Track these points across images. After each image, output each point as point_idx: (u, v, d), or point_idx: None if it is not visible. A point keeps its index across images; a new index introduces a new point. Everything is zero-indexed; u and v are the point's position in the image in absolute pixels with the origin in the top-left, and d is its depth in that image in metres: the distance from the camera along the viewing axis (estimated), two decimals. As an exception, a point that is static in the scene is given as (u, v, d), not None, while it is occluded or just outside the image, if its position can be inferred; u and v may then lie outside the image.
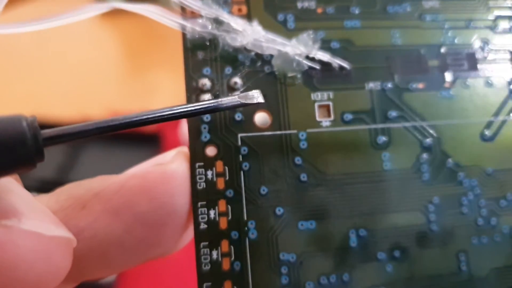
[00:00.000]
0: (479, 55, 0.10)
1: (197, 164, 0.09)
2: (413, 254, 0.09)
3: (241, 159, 0.09)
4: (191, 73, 0.09)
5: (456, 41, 0.10)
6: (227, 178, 0.09)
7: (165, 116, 0.08)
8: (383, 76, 0.10)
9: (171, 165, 0.09)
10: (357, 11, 0.10)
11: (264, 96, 0.09)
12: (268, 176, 0.09)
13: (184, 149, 0.09)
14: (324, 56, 0.10)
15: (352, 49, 0.10)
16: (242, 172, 0.09)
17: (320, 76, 0.10)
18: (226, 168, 0.09)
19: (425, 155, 0.10)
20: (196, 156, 0.09)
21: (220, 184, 0.09)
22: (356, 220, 0.09)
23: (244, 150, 0.09)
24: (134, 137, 0.25)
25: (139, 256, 0.09)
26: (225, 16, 0.09)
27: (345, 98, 0.10)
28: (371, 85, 0.10)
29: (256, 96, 0.09)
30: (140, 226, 0.08)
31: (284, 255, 0.09)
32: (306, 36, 0.10)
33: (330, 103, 0.10)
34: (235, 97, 0.08)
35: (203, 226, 0.09)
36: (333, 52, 0.10)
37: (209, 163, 0.09)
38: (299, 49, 0.09)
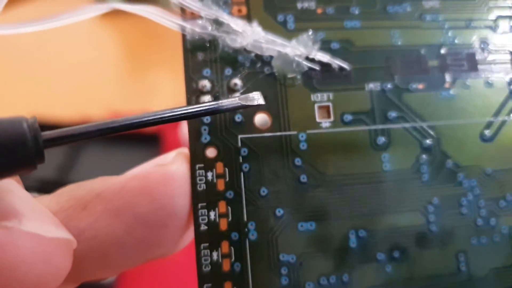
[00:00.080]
0: (479, 56, 0.10)
1: (197, 166, 0.09)
2: (412, 254, 0.09)
3: (241, 160, 0.09)
4: (191, 74, 0.09)
5: (456, 41, 0.10)
6: (227, 179, 0.09)
7: (165, 118, 0.08)
8: (383, 76, 0.10)
9: (172, 167, 0.09)
10: (357, 11, 0.10)
11: (264, 97, 0.09)
12: (268, 177, 0.09)
13: (185, 150, 0.09)
14: (324, 57, 0.10)
15: (352, 50, 0.10)
16: (242, 174, 0.09)
17: (320, 77, 0.10)
18: (226, 169, 0.09)
19: (424, 156, 0.10)
20: (196, 158, 0.09)
21: (220, 185, 0.09)
22: (355, 221, 0.09)
23: (244, 151, 0.09)
24: (134, 137, 0.25)
25: (140, 256, 0.09)
26: (224, 17, 0.09)
27: (345, 99, 0.10)
28: (371, 85, 0.10)
29: (257, 98, 0.09)
30: (140, 227, 0.08)
31: (284, 256, 0.09)
32: (306, 37, 0.10)
33: (330, 104, 0.10)
34: (236, 99, 0.08)
35: (203, 227, 0.09)
36: (333, 53, 0.10)
37: (209, 164, 0.09)
38: (299, 50, 0.09)
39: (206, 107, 0.08)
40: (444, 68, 0.10)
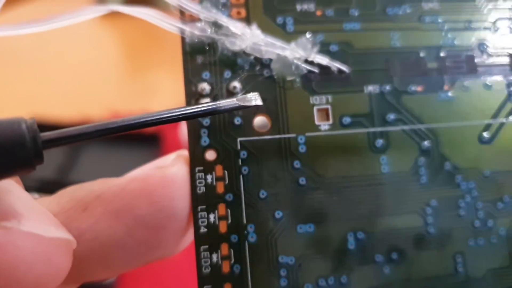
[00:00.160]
0: (478, 58, 0.10)
1: (196, 169, 0.09)
2: (410, 256, 0.09)
3: (240, 163, 0.09)
4: (190, 77, 0.09)
5: (455, 43, 0.10)
6: (227, 182, 0.09)
7: (164, 119, 0.08)
8: (382, 79, 0.10)
9: (171, 169, 0.09)
10: (356, 13, 0.10)
11: (263, 100, 0.09)
12: (267, 180, 0.09)
13: (184, 153, 0.09)
14: (323, 60, 0.10)
15: (351, 52, 0.10)
16: (241, 176, 0.09)
17: (319, 79, 0.10)
18: (226, 172, 0.09)
19: (423, 158, 0.10)
20: (195, 161, 0.09)
21: (220, 188, 0.09)
22: (354, 223, 0.09)
23: (243, 154, 0.09)
24: (133, 137, 0.26)
25: (140, 258, 0.09)
26: (224, 20, 0.09)
27: (343, 102, 0.10)
28: (370, 88, 0.10)
29: (255, 99, 0.09)
30: (140, 229, 0.08)
31: (283, 258, 0.09)
32: (305, 39, 0.10)
33: (329, 107, 0.10)
34: (234, 100, 0.08)
35: (203, 229, 0.09)
36: (332, 55, 0.10)
37: (208, 167, 0.09)
38: (298, 52, 0.09)
39: (204, 108, 0.08)
40: (443, 70, 0.10)
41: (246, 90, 0.09)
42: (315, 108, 0.10)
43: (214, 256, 0.09)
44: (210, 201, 0.09)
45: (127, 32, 0.33)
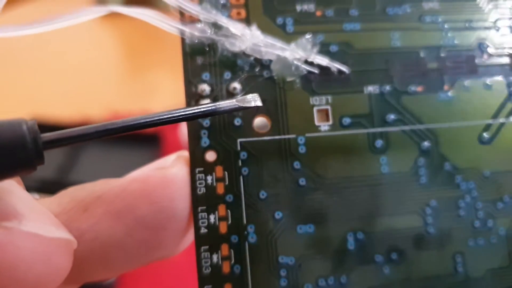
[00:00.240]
0: (478, 57, 0.10)
1: (197, 170, 0.09)
2: (410, 256, 0.09)
3: (240, 164, 0.09)
4: (190, 78, 0.09)
5: (455, 43, 0.10)
6: (227, 183, 0.09)
7: (164, 120, 0.08)
8: (382, 79, 0.10)
9: (172, 170, 0.09)
10: (356, 13, 0.10)
11: (263, 101, 0.09)
12: (267, 181, 0.09)
13: (185, 153, 0.09)
14: (323, 61, 0.10)
15: (351, 52, 0.10)
16: (241, 177, 0.09)
17: (318, 80, 0.10)
18: (226, 173, 0.09)
19: (423, 159, 0.10)
20: (196, 162, 0.09)
21: (220, 189, 0.09)
22: (354, 223, 0.09)
23: (243, 155, 0.09)
24: (133, 137, 0.26)
25: (140, 258, 0.09)
26: (223, 21, 0.09)
27: (343, 102, 0.10)
28: (369, 88, 0.10)
29: (254, 100, 0.09)
30: (141, 229, 0.08)
31: (283, 258, 0.09)
32: (305, 40, 0.10)
33: (329, 107, 0.10)
34: (233, 101, 0.08)
35: (203, 230, 0.09)
36: (332, 56, 0.10)
37: (209, 168, 0.09)
38: (298, 53, 0.09)
39: (204, 109, 0.08)
40: (443, 70, 0.10)
41: (246, 91, 0.09)
42: (315, 109, 0.10)
43: (215, 257, 0.09)
44: (210, 202, 0.09)
45: (127, 32, 0.33)
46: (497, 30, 0.11)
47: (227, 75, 0.09)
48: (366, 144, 0.10)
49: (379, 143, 0.10)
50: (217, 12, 0.09)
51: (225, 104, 0.08)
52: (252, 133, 0.09)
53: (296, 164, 0.09)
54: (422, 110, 0.10)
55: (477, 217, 0.10)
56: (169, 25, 0.09)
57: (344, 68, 0.10)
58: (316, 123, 0.10)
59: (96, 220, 0.08)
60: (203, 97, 0.09)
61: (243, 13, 0.10)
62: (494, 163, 0.10)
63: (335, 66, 0.10)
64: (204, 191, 0.09)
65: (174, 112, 0.08)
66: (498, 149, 0.10)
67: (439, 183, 0.10)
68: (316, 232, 0.09)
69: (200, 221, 0.09)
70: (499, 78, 0.10)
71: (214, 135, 0.09)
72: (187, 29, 0.09)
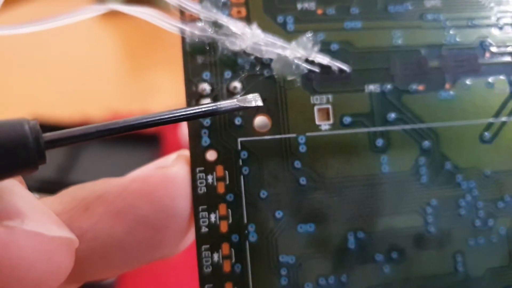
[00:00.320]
0: (480, 56, 0.10)
1: (197, 169, 0.09)
2: (410, 255, 0.09)
3: (241, 163, 0.09)
4: (191, 77, 0.09)
5: (457, 41, 0.10)
6: (227, 182, 0.09)
7: (164, 120, 0.08)
8: (383, 78, 0.10)
9: (172, 169, 0.09)
10: (357, 12, 0.10)
11: (264, 100, 0.09)
12: (267, 180, 0.09)
13: (185, 153, 0.09)
14: (324, 59, 0.10)
15: (352, 51, 0.10)
16: (242, 176, 0.09)
17: (319, 79, 0.10)
18: (226, 172, 0.09)
19: (423, 158, 0.10)
20: (196, 161, 0.09)
21: (221, 188, 0.09)
22: (354, 222, 0.09)
23: (244, 154, 0.09)
24: (134, 137, 0.26)
25: (141, 257, 0.09)
26: (224, 20, 0.09)
27: (344, 101, 0.10)
28: (370, 87, 0.10)
29: (255, 100, 0.09)
30: (141, 229, 0.08)
31: (283, 257, 0.09)
32: (305, 38, 0.10)
33: (330, 106, 0.10)
34: (234, 101, 0.08)
35: (204, 229, 0.09)
36: (333, 54, 0.10)
37: (209, 167, 0.09)
38: (298, 52, 0.09)
39: (205, 109, 0.08)
40: (445, 69, 0.10)
41: (246, 90, 0.09)
42: (315, 108, 0.10)
43: (215, 256, 0.09)
44: (211, 201, 0.09)
45: (127, 31, 0.33)
46: (500, 28, 0.11)
47: (228, 74, 0.09)
48: (367, 143, 0.10)
49: (380, 142, 0.10)
50: (217, 10, 0.09)
51: (226, 104, 0.08)
52: (252, 132, 0.09)
53: (297, 163, 0.09)
54: (423, 109, 0.10)
55: (477, 216, 0.10)
56: (169, 24, 0.09)
57: (345, 67, 0.10)
58: (317, 122, 0.10)
59: (97, 219, 0.08)
60: (203, 96, 0.09)
61: (243, 11, 0.10)
62: (495, 162, 0.10)
63: (336, 64, 0.10)
64: (205, 190, 0.09)
65: (175, 112, 0.08)
66: (499, 148, 0.10)
67: (440, 182, 0.10)
68: (316, 231, 0.09)
69: (201, 220, 0.09)
70: (501, 76, 0.10)
71: (215, 135, 0.09)
72: (187, 28, 0.09)
